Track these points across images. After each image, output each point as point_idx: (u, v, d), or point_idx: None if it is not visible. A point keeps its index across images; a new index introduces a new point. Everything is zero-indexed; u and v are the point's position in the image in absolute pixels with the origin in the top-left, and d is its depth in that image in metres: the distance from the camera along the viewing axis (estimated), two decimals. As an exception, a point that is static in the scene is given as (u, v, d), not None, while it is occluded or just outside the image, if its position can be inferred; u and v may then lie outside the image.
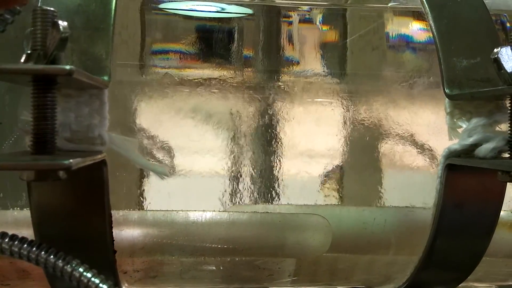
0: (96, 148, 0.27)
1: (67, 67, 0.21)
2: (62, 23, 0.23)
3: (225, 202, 0.42)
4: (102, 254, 0.29)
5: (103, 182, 0.28)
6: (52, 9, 0.24)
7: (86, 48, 0.28)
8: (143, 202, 0.42)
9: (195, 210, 0.37)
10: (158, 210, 0.36)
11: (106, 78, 0.28)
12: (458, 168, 0.31)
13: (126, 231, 0.34)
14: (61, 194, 0.27)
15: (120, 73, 0.44)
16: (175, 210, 0.36)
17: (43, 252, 0.21)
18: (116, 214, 0.34)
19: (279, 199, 0.45)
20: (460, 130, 0.32)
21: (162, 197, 0.39)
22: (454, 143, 0.31)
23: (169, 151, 0.44)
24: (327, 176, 0.46)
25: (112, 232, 0.29)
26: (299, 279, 0.42)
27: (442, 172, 0.32)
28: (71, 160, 0.20)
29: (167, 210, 0.36)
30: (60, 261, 0.21)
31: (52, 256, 0.21)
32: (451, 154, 0.31)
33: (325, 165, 0.46)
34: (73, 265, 0.21)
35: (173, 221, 0.36)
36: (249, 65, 0.46)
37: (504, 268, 0.46)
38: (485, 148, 0.29)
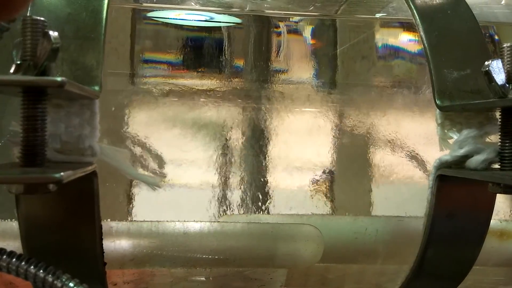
0: (86, 159, 0.26)
1: (59, 78, 0.21)
2: (53, 33, 0.23)
3: (216, 213, 0.42)
4: (92, 266, 0.28)
5: (93, 193, 0.28)
6: (42, 19, 0.23)
7: (77, 58, 0.28)
8: (133, 213, 0.42)
9: (186, 221, 0.37)
10: (148, 221, 0.36)
11: (97, 88, 0.28)
12: (449, 178, 0.32)
13: (116, 243, 0.34)
14: (50, 206, 0.27)
15: (110, 81, 0.44)
16: (166, 221, 0.36)
17: (32, 267, 0.21)
18: (106, 225, 0.33)
19: (271, 209, 0.45)
20: (451, 141, 0.32)
21: (152, 208, 0.39)
22: (445, 154, 0.31)
23: (159, 160, 0.44)
24: (318, 185, 0.46)
25: (102, 244, 0.29)
26: (290, 289, 0.42)
27: (433, 183, 0.32)
28: (62, 173, 0.20)
29: (157, 221, 0.36)
30: (49, 275, 0.21)
31: (41, 271, 0.21)
32: (442, 165, 0.32)
33: (316, 175, 0.46)
34: (63, 279, 0.21)
35: (164, 232, 0.36)
36: (239, 75, 0.46)
37: (493, 276, 0.46)
38: (476, 160, 0.29)
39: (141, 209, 0.41)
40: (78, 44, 0.28)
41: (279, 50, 0.47)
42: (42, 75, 0.22)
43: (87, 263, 0.28)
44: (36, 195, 0.25)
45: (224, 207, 0.43)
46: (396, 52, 0.47)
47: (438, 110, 0.32)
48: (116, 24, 0.45)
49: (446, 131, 0.32)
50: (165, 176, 0.43)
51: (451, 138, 0.32)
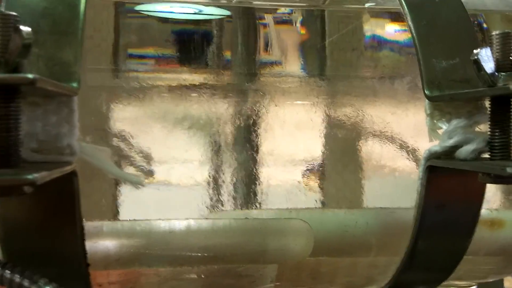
0: (65, 159, 0.26)
1: (30, 75, 0.20)
2: (25, 29, 0.22)
3: (204, 209, 0.41)
4: (75, 268, 0.28)
5: (73, 194, 0.27)
6: (14, 13, 0.23)
7: (53, 54, 0.27)
8: (119, 212, 0.41)
9: (172, 219, 0.36)
10: (133, 220, 0.35)
11: (75, 84, 0.27)
12: (439, 169, 0.31)
13: (100, 243, 0.33)
14: (29, 208, 0.26)
15: (93, 77, 0.43)
16: (152, 219, 0.35)
17: (7, 271, 0.20)
18: (89, 226, 0.32)
19: (260, 204, 0.44)
20: (440, 132, 0.32)
21: (138, 206, 0.38)
22: (435, 145, 0.31)
23: (147, 156, 0.43)
24: (308, 179, 0.45)
25: (84, 245, 0.28)
26: (281, 284, 0.42)
27: (423, 174, 0.32)
28: (35, 175, 0.19)
29: (143, 220, 0.35)
30: (26, 280, 0.20)
31: (17, 276, 0.20)
32: (432, 156, 0.31)
33: (305, 168, 0.46)
34: (41, 284, 0.20)
35: (150, 231, 0.35)
36: (227, 68, 0.45)
37: (484, 265, 0.46)
38: (466, 150, 0.29)
39: (128, 207, 0.40)
40: (54, 40, 0.27)
41: (267, 42, 0.46)
42: (14, 72, 0.21)
43: (70, 264, 0.27)
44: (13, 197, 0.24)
45: (213, 204, 0.42)
46: (385, 42, 0.46)
47: (427, 100, 0.32)
48: (98, 18, 0.44)
49: (435, 121, 0.32)
50: (153, 173, 0.42)
51: (441, 128, 0.31)
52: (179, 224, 0.36)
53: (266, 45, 0.46)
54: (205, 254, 0.36)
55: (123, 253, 0.33)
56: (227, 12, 0.46)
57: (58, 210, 0.27)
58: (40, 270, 0.23)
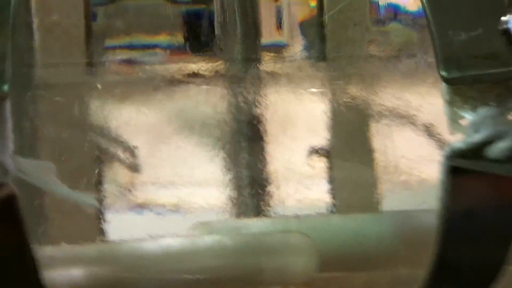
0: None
1: None
2: None
3: (190, 221, 0.36)
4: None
5: (16, 220, 0.22)
6: None
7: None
8: (102, 232, 0.36)
9: (151, 238, 0.31)
10: (105, 242, 0.30)
11: (5, 87, 0.22)
12: (464, 170, 0.25)
13: (61, 272, 0.28)
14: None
15: (61, 73, 0.38)
16: (125, 241, 0.30)
17: None
18: (46, 253, 0.28)
19: (259, 210, 0.39)
20: (463, 122, 0.25)
21: (112, 226, 0.33)
22: (458, 141, 0.24)
23: (131, 151, 0.38)
24: (313, 178, 0.40)
25: (38, 278, 0.23)
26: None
27: (445, 176, 0.26)
28: None
29: (116, 242, 0.30)
30: None
31: None
32: (455, 154, 0.25)
33: (311, 167, 0.40)
34: None
35: (126, 254, 0.30)
36: (222, 53, 0.40)
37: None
38: (498, 148, 0.22)
39: (110, 227, 0.35)
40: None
41: (256, 20, 0.40)
42: None
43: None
44: None
45: (200, 212, 0.37)
46: (394, 14, 0.39)
47: (444, 83, 0.25)
48: (66, 1, 0.38)
49: (456, 109, 0.25)
50: (139, 166, 0.37)
51: (463, 118, 0.25)
52: (160, 245, 0.31)
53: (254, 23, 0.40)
54: (191, 277, 0.31)
55: (91, 282, 0.28)
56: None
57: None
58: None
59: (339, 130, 0.39)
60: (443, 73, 0.25)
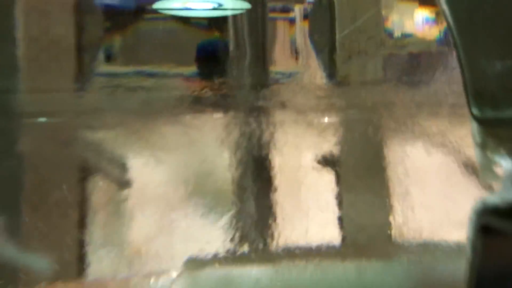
0: None
1: None
2: None
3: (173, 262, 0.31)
4: None
5: None
6: None
7: None
8: (88, 269, 0.32)
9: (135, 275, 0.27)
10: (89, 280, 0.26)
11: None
12: (499, 230, 0.20)
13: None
14: None
15: (47, 100, 0.34)
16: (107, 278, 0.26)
17: None
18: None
19: (267, 241, 0.34)
20: (497, 170, 0.21)
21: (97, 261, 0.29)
22: (492, 195, 0.20)
23: (122, 167, 0.33)
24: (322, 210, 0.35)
25: None
26: None
27: (475, 235, 0.21)
28: None
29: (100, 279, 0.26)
30: None
31: None
32: (488, 210, 0.20)
33: (319, 199, 0.35)
34: None
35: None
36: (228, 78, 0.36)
37: None
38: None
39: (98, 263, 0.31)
40: None
41: (264, 41, 0.36)
42: None
43: None
44: None
45: (203, 251, 0.33)
46: (411, 34, 0.35)
47: (475, 122, 0.21)
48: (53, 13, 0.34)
49: (489, 154, 0.21)
50: (129, 181, 0.33)
51: (498, 164, 0.21)
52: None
53: (263, 44, 0.36)
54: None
55: None
56: (247, 5, 0.37)
57: None
58: None
59: (351, 162, 0.34)
60: (475, 111, 0.21)
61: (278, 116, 0.36)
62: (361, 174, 0.35)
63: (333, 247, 0.33)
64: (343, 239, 0.33)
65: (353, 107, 0.35)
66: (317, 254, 0.32)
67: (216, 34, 0.36)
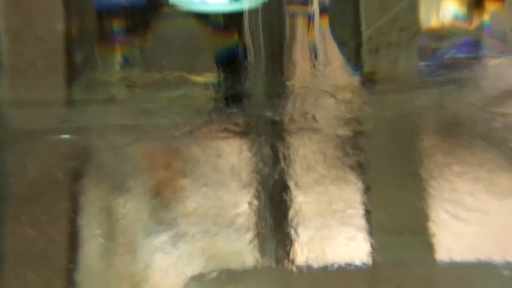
0: None
1: None
2: None
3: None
4: None
5: None
6: None
7: None
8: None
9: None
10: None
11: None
12: None
13: None
14: None
15: (34, 115, 0.30)
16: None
17: None
18: None
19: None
20: None
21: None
22: None
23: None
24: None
25: None
26: None
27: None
28: None
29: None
30: None
31: None
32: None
33: (348, 237, 0.31)
34: None
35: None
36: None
37: None
38: None
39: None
40: None
41: (281, 44, 0.33)
42: None
43: None
44: None
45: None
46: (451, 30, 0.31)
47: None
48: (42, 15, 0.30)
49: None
50: None
51: None
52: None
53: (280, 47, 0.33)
54: None
55: None
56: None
57: None
58: None
59: (375, 179, 0.30)
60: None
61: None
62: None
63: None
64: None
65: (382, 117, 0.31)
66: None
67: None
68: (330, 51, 0.33)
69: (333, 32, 0.33)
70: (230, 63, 0.33)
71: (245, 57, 0.33)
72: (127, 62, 0.33)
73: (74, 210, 0.29)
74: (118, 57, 0.33)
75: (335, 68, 0.32)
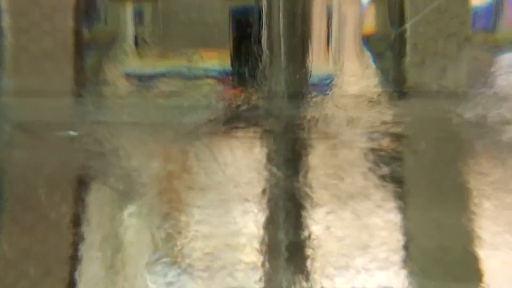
0: None
1: None
2: None
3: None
4: None
5: None
6: None
7: None
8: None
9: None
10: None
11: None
12: None
13: None
14: None
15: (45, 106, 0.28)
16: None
17: None
18: None
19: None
20: None
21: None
22: None
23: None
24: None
25: None
26: None
27: None
28: None
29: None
30: None
31: None
32: None
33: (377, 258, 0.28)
34: None
35: None
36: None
37: None
38: None
39: None
40: None
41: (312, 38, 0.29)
42: None
43: None
44: None
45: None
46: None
47: None
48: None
49: None
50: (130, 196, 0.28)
51: None
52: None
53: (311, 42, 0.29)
54: None
55: None
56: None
57: None
58: None
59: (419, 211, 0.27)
60: None
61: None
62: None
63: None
64: None
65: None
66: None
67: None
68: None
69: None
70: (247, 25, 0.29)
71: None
72: (139, 17, 0.30)
73: (77, 216, 0.27)
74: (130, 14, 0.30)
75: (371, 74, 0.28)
